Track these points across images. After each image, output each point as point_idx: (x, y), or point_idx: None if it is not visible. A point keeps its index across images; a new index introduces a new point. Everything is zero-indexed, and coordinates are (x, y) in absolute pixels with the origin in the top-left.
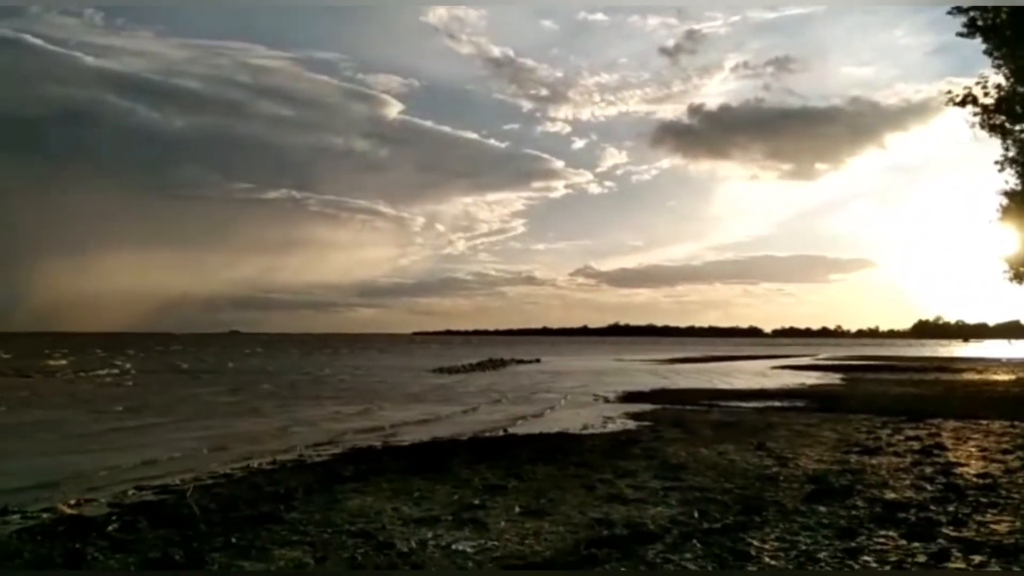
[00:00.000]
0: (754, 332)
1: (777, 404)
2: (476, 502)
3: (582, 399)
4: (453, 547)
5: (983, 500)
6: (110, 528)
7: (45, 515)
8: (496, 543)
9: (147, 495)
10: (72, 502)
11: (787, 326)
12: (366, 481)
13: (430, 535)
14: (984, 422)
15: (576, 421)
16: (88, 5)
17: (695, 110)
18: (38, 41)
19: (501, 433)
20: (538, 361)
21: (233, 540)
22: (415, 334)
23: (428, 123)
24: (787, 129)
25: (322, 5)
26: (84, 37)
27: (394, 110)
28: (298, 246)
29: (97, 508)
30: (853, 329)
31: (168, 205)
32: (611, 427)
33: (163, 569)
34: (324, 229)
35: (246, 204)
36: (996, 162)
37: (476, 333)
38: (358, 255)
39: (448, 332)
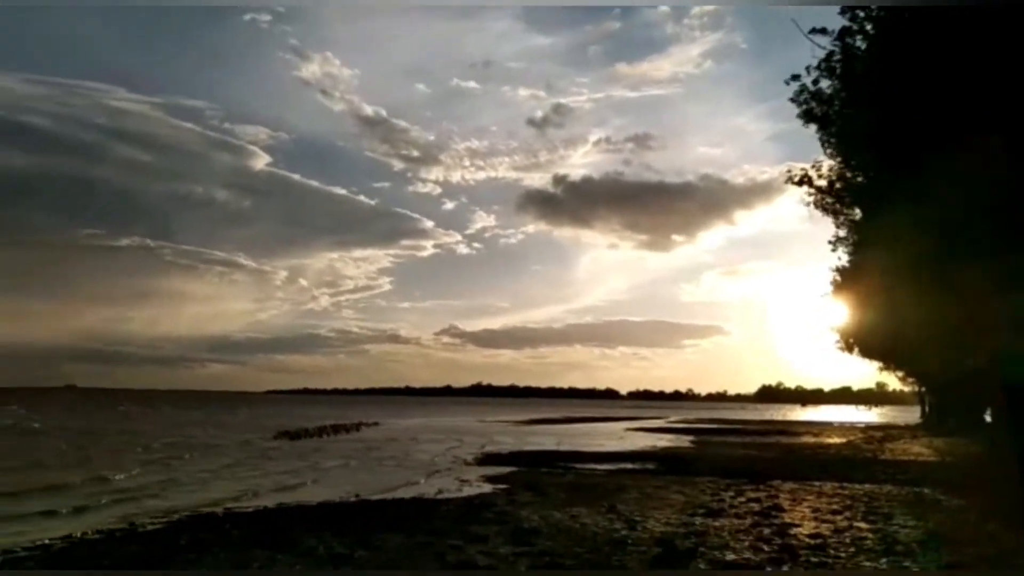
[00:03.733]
0: (611, 394)
1: (630, 466)
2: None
3: (441, 461)
4: None
5: (813, 559)
6: None
7: None
8: None
9: None
10: None
11: (642, 388)
12: (203, 552)
13: None
14: (817, 483)
15: (432, 485)
16: None
17: (559, 180)
18: None
19: (353, 499)
20: (377, 424)
21: None
22: (269, 392)
23: (296, 176)
24: (644, 202)
25: (193, 54)
26: None
27: (260, 162)
28: (149, 297)
29: None
30: (703, 392)
31: (3, 249)
32: (467, 491)
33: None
34: (178, 280)
35: (93, 251)
36: (829, 241)
37: (336, 392)
38: (214, 308)
39: (306, 391)
